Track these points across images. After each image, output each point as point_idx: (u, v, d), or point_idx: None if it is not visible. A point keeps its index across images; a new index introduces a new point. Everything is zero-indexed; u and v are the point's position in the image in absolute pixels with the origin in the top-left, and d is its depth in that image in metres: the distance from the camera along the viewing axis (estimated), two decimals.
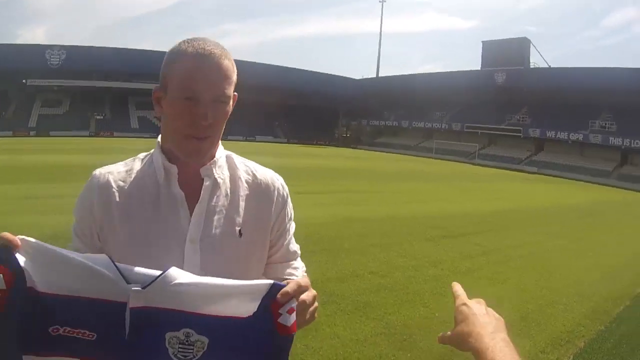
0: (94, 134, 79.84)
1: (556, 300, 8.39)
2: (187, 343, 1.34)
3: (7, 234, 1.33)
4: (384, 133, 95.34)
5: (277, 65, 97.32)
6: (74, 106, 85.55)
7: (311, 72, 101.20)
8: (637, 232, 17.36)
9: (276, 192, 1.90)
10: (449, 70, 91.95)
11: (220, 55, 1.65)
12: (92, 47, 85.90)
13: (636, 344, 6.74)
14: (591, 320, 7.52)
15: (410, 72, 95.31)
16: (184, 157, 1.71)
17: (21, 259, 1.31)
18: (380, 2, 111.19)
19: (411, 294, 8.09)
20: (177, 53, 1.66)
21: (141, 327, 1.33)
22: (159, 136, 1.83)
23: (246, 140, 78.63)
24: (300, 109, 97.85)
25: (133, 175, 1.77)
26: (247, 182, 1.86)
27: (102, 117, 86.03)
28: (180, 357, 1.33)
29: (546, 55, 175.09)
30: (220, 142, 1.82)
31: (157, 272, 1.35)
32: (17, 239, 1.35)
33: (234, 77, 1.71)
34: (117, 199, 1.70)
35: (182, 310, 1.34)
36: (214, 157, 1.80)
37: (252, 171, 1.90)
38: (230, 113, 1.74)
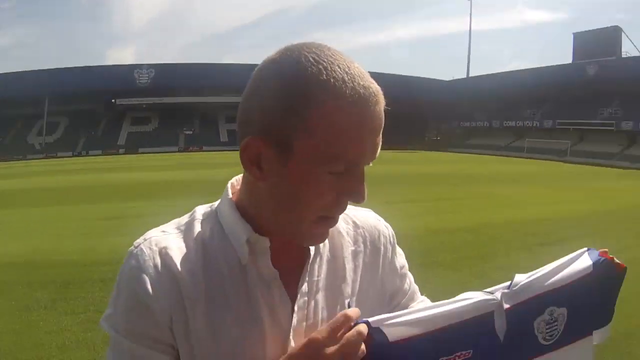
0: (183, 149, 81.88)
1: None
2: (552, 321, 1.33)
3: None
4: (475, 134, 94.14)
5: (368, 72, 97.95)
6: (163, 123, 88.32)
7: (399, 75, 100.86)
8: None
9: (383, 239, 1.44)
10: (539, 65, 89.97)
11: (380, 93, 1.13)
12: (179, 64, 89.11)
13: None
14: None
15: (499, 70, 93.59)
16: (300, 241, 1.22)
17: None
18: (468, 0, 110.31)
19: None
20: (321, 89, 1.01)
21: (514, 323, 1.28)
22: (229, 185, 1.31)
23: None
24: (389, 114, 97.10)
25: (200, 250, 1.19)
26: (348, 234, 1.37)
27: (191, 132, 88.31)
28: (548, 337, 1.33)
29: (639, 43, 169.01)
30: None
31: (503, 285, 1.32)
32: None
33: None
34: (182, 291, 1.14)
35: (540, 294, 1.31)
36: None
37: (351, 220, 1.41)
38: None
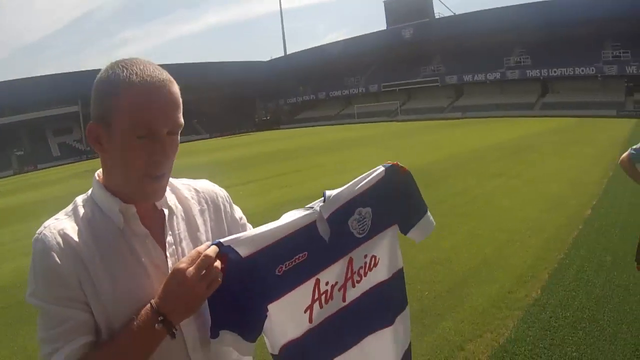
0: (18, 171, 77.64)
1: (511, 239, 8.53)
2: (361, 219, 1.83)
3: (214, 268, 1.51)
4: (303, 108, 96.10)
5: (183, 63, 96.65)
6: None
7: (219, 62, 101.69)
8: (569, 158, 17.69)
9: (221, 198, 1.91)
10: (355, 35, 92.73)
11: (169, 80, 1.55)
12: None
13: (598, 264, 6.91)
14: (549, 251, 7.65)
15: (317, 44, 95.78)
16: (142, 199, 1.61)
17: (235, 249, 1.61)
18: None
19: None
20: (120, 83, 1.46)
21: (334, 227, 1.77)
22: (96, 174, 1.69)
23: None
24: (216, 102, 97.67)
25: (86, 225, 1.58)
26: (192, 198, 1.82)
27: (22, 153, 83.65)
28: (361, 232, 1.83)
29: (449, 2, 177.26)
30: None
31: (319, 200, 1.80)
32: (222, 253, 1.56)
33: (180, 100, 1.61)
34: (83, 253, 1.52)
35: (349, 200, 1.82)
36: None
37: (193, 188, 1.87)
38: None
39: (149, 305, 1.49)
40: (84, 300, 1.49)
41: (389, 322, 1.95)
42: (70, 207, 1.65)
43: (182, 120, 1.58)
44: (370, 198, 1.85)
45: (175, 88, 1.57)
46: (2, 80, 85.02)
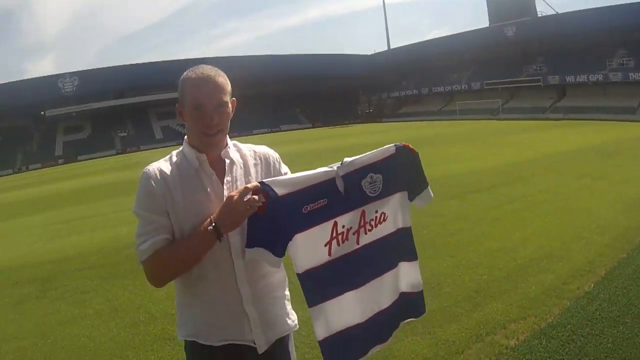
0: (121, 151, 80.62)
1: (579, 235, 8.59)
2: (372, 182, 2.45)
3: (252, 197, 2.21)
4: (406, 103, 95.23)
5: (289, 55, 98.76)
6: (96, 128, 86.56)
7: (324, 54, 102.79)
8: None
9: (272, 158, 2.68)
10: (458, 31, 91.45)
11: (215, 75, 2.37)
12: (102, 68, 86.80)
13: None
14: (612, 250, 7.69)
15: (420, 40, 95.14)
16: (205, 149, 2.44)
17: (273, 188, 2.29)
18: None
19: (438, 247, 8.46)
20: (186, 79, 2.38)
21: (350, 182, 2.39)
22: (185, 137, 2.55)
23: (271, 131, 79.55)
24: (320, 92, 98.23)
25: (175, 166, 2.44)
26: (252, 157, 2.62)
27: (126, 134, 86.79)
28: (372, 192, 2.45)
29: (552, 1, 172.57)
30: (227, 135, 2.55)
31: (339, 162, 2.43)
32: (261, 190, 2.27)
33: (228, 88, 2.42)
34: (172, 181, 2.38)
35: (363, 166, 2.44)
36: (227, 145, 2.54)
37: (252, 150, 2.67)
38: (232, 114, 2.49)
39: (209, 219, 2.27)
40: (166, 210, 2.34)
41: (393, 266, 2.57)
42: (167, 156, 2.53)
43: (226, 99, 2.41)
44: (381, 167, 2.47)
45: (221, 79, 2.39)
46: (107, 66, 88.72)
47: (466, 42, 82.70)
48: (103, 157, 75.22)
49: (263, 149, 2.69)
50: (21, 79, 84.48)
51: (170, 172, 2.40)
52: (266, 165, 2.63)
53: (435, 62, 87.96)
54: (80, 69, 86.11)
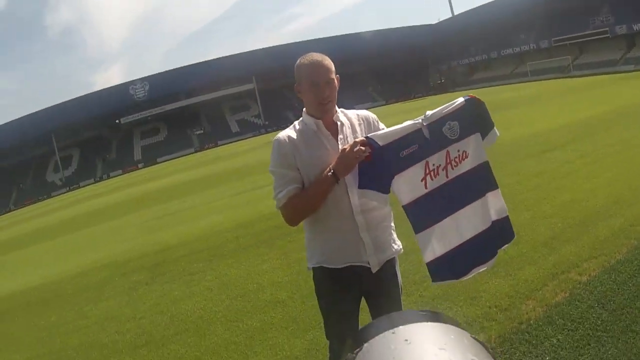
0: (199, 149, 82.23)
1: None
2: (451, 127, 3.02)
3: (360, 148, 2.87)
4: (477, 69, 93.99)
5: (353, 33, 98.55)
6: (171, 129, 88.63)
7: (388, 29, 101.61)
8: None
9: (372, 118, 3.36)
10: None
11: (322, 59, 3.06)
12: (170, 70, 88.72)
13: None
14: None
15: (483, 3, 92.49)
16: (320, 115, 3.14)
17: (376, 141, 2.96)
18: None
19: (517, 202, 8.90)
20: (300, 65, 3.07)
21: (433, 130, 2.99)
22: (304, 109, 3.24)
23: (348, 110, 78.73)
24: (389, 68, 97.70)
25: (299, 132, 3.16)
26: (356, 119, 3.30)
27: (202, 131, 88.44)
28: (452, 135, 3.01)
29: None
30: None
31: (422, 115, 3.07)
32: (367, 143, 2.92)
33: (333, 68, 3.08)
34: (298, 142, 3.09)
35: (442, 116, 3.03)
36: (336, 111, 3.21)
37: (356, 113, 3.35)
38: (338, 87, 3.14)
39: (328, 167, 2.95)
40: (295, 166, 3.05)
41: (481, 195, 3.13)
42: (291, 125, 3.27)
43: (333, 76, 3.07)
44: (456, 116, 3.05)
45: (327, 62, 3.07)
46: (175, 67, 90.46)
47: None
48: (182, 156, 77.19)
49: (364, 112, 3.38)
50: (92, 91, 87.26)
51: (296, 136, 3.12)
52: (367, 124, 3.29)
53: (501, 24, 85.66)
54: (149, 74, 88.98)
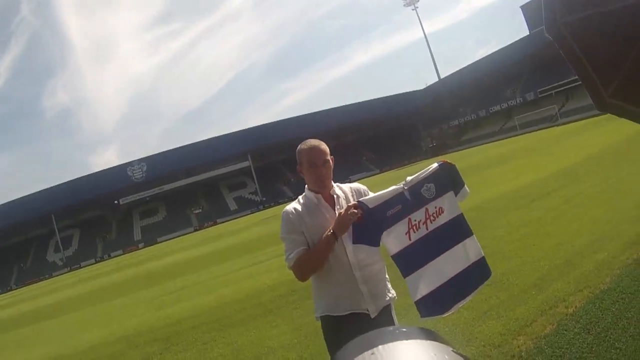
0: (198, 228, 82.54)
1: (629, 215, 9.45)
2: (428, 189, 3.58)
3: (353, 211, 3.39)
4: (467, 129, 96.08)
5: (344, 105, 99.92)
6: (170, 209, 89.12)
7: (378, 99, 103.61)
8: None
9: (362, 189, 3.91)
10: (503, 45, 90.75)
11: (319, 144, 3.64)
12: (168, 150, 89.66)
13: None
14: None
15: (468, 63, 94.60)
16: (320, 190, 3.71)
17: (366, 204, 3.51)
18: (413, 9, 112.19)
19: (506, 252, 9.40)
20: (301, 150, 3.64)
21: (413, 192, 3.56)
22: (306, 186, 3.80)
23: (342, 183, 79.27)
24: (381, 136, 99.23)
25: (303, 205, 3.70)
26: (349, 190, 3.86)
27: (200, 210, 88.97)
28: (429, 194, 3.58)
29: None
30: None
31: (403, 181, 3.60)
32: (358, 206, 3.45)
33: (328, 151, 3.67)
34: (302, 213, 3.63)
35: (419, 180, 3.60)
36: (333, 186, 3.74)
37: (349, 186, 3.92)
38: (332, 167, 3.70)
39: (329, 229, 3.46)
40: (302, 231, 3.57)
41: (458, 241, 3.65)
42: (295, 200, 3.81)
43: (328, 158, 3.66)
44: (432, 179, 3.64)
45: (323, 146, 3.66)
46: (172, 147, 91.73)
47: (512, 54, 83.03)
48: (181, 235, 77.40)
49: (356, 185, 3.98)
50: (90, 172, 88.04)
51: (301, 208, 3.67)
52: (358, 194, 3.84)
53: (487, 82, 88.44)
54: (146, 155, 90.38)
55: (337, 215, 3.52)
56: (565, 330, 5.48)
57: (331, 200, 3.72)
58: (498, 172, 25.46)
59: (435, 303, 3.56)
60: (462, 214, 3.72)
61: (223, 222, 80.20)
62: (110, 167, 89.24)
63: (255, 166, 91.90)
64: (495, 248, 9.80)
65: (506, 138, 74.20)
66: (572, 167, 18.53)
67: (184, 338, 10.03)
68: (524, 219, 12.13)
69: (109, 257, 77.90)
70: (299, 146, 3.69)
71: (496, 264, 8.36)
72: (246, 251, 23.70)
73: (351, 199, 3.75)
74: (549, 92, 76.61)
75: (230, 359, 7.97)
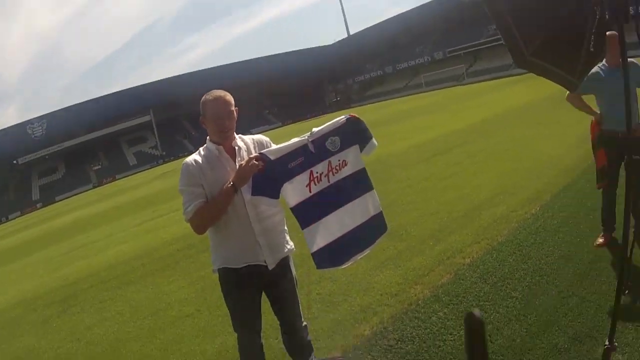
0: (97, 184, 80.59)
1: (530, 172, 9.72)
2: (332, 142, 3.62)
3: (254, 162, 3.40)
4: (372, 85, 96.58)
5: (249, 60, 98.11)
6: (70, 166, 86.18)
7: (284, 53, 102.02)
8: None
9: (265, 141, 3.86)
10: (417, 5, 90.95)
11: (224, 95, 3.56)
12: (68, 107, 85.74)
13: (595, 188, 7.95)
14: (559, 178, 8.77)
15: (380, 20, 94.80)
16: (222, 141, 3.63)
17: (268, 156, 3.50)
18: None
19: (405, 203, 9.61)
20: (205, 101, 3.54)
21: (317, 144, 3.58)
22: (207, 137, 3.71)
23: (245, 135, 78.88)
24: (286, 91, 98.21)
25: (204, 156, 3.62)
26: (251, 142, 3.80)
27: (100, 166, 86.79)
28: (333, 148, 3.61)
29: None
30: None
31: (309, 132, 3.61)
32: (260, 158, 3.45)
33: (233, 102, 3.59)
34: (202, 165, 3.55)
35: (324, 133, 3.62)
36: (235, 138, 3.68)
37: (251, 138, 3.85)
38: (236, 118, 3.63)
39: (229, 181, 3.43)
40: (201, 184, 3.49)
41: (359, 195, 3.73)
42: (196, 151, 3.69)
43: (232, 109, 3.58)
44: (337, 132, 3.66)
45: (228, 97, 3.58)
46: (74, 103, 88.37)
47: (424, 14, 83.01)
48: (80, 192, 75.42)
49: (258, 136, 3.90)
50: None
51: (201, 160, 3.59)
52: (261, 146, 3.78)
53: (397, 40, 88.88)
54: (47, 112, 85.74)
55: (237, 167, 3.50)
56: (462, 280, 5.60)
57: (232, 152, 3.66)
58: (401, 128, 25.81)
59: (332, 255, 3.65)
60: (364, 168, 3.77)
61: (122, 178, 78.03)
62: (9, 126, 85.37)
63: (157, 120, 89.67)
64: (395, 199, 10.00)
65: (411, 94, 75.26)
66: (479, 124, 19.14)
67: (81, 298, 9.71)
68: (425, 172, 12.38)
69: (7, 219, 74.76)
70: (204, 97, 3.60)
71: (394, 215, 8.52)
72: (145, 206, 23.50)
73: (253, 150, 3.70)
74: (458, 53, 77.64)
75: (128, 317, 7.74)
